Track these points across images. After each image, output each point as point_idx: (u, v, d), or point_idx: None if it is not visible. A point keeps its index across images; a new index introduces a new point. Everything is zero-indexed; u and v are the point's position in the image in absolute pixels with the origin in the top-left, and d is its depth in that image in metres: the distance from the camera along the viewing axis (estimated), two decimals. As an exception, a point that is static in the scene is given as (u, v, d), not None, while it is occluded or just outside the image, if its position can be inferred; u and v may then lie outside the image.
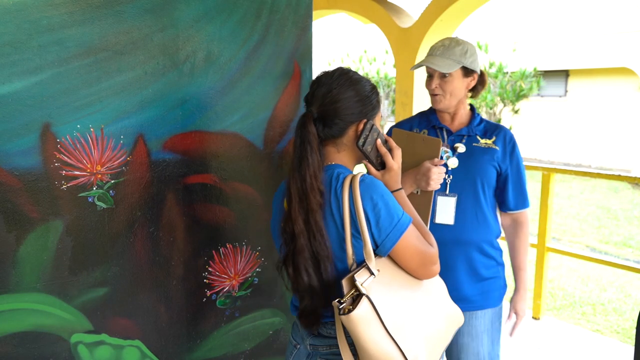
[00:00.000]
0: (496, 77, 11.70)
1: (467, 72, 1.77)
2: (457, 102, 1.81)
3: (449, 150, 1.80)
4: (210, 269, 1.86)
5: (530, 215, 1.93)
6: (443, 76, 1.75)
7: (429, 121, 1.88)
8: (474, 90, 1.85)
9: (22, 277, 1.51)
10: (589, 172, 3.53)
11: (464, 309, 1.72)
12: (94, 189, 1.59)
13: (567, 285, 4.81)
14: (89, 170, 1.57)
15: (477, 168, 1.77)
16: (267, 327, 2.05)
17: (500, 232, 1.89)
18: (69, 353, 1.62)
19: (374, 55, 13.96)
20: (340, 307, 1.18)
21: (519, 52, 12.32)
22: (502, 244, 1.95)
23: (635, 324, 2.20)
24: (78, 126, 1.53)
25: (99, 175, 1.59)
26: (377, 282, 1.22)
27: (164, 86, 1.67)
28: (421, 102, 4.23)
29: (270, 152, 1.96)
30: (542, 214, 3.54)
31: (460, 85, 1.77)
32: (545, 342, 3.25)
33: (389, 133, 1.86)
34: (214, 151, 1.80)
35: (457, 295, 1.73)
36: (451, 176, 1.77)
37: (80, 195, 1.57)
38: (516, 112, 11.93)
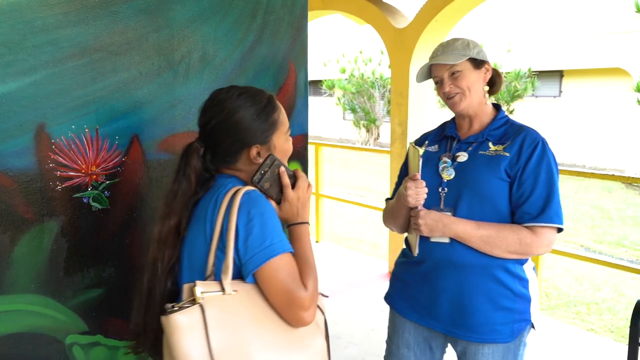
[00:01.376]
0: (491, 77, 11.74)
1: (476, 63, 1.58)
2: (479, 101, 1.61)
3: (448, 160, 1.61)
4: (205, 269, 1.85)
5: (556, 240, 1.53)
6: (452, 74, 1.57)
7: (443, 130, 1.71)
8: (493, 87, 1.66)
9: (17, 278, 1.50)
10: (583, 172, 3.55)
11: (466, 338, 1.56)
12: (89, 189, 1.59)
13: (562, 285, 4.83)
14: (83, 171, 1.57)
15: (473, 180, 1.54)
16: (263, 327, 2.04)
17: (525, 258, 1.59)
18: (64, 354, 1.61)
19: (370, 56, 13.98)
20: (168, 310, 1.08)
21: (514, 53, 12.37)
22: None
23: (628, 323, 2.21)
24: (73, 127, 1.53)
25: (94, 176, 1.59)
26: (227, 301, 1.11)
27: (159, 87, 1.67)
28: (417, 102, 4.24)
29: (265, 153, 1.96)
30: (537, 213, 3.55)
31: (475, 78, 1.58)
32: (540, 342, 3.26)
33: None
34: (210, 152, 1.80)
35: (454, 320, 1.57)
36: (446, 189, 1.58)
37: (75, 196, 1.56)
38: (511, 112, 11.97)
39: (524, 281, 1.58)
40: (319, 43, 14.70)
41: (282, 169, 1.23)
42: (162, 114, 1.68)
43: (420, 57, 4.27)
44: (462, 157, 1.59)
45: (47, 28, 1.45)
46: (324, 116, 17.93)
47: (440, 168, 1.61)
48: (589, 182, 10.06)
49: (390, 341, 1.78)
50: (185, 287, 1.14)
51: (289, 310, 1.14)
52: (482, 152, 1.58)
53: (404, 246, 1.78)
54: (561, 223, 1.51)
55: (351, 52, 14.59)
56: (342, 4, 4.85)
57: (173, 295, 1.24)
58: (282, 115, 1.30)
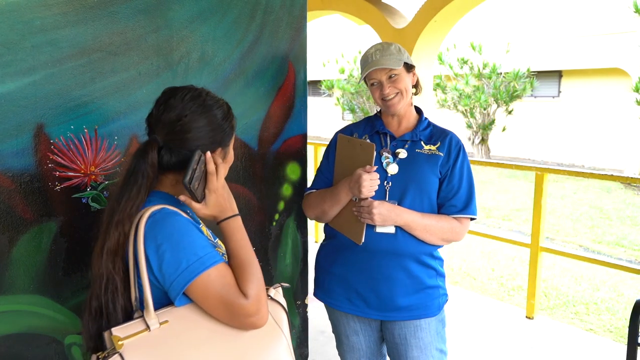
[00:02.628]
0: (490, 77, 11.75)
1: (408, 67, 1.75)
2: (409, 102, 1.77)
3: (389, 156, 1.73)
4: (204, 269, 1.85)
5: (469, 226, 1.72)
6: (390, 77, 1.71)
7: (374, 126, 1.82)
8: (416, 88, 1.82)
9: (16, 278, 1.50)
10: (582, 172, 3.55)
11: (406, 318, 1.73)
12: (88, 189, 1.59)
13: (561, 285, 4.84)
14: (82, 171, 1.57)
15: (418, 175, 1.70)
16: (262, 327, 2.04)
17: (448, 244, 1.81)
18: (63, 354, 1.61)
19: (369, 56, 13.96)
20: None
21: (513, 53, 12.38)
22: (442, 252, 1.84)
23: (627, 323, 2.21)
24: (72, 127, 1.53)
25: (93, 176, 1.59)
26: (154, 338, 1.04)
27: (158, 87, 1.66)
28: (415, 102, 4.24)
29: (264, 153, 1.96)
30: (536, 214, 3.56)
31: (408, 82, 1.74)
32: (539, 342, 3.27)
33: (335, 139, 1.80)
34: (209, 152, 1.80)
35: (396, 306, 1.72)
36: (390, 182, 1.70)
37: (74, 196, 1.56)
38: (510, 112, 11.98)
39: (441, 261, 1.82)
40: (318, 43, 14.70)
41: (209, 154, 1.16)
42: (161, 114, 1.68)
43: (420, 57, 4.27)
44: (402, 153, 1.74)
45: (46, 28, 1.44)
46: (323, 116, 17.94)
47: (384, 163, 1.73)
48: (588, 182, 10.07)
49: (337, 332, 1.91)
50: (105, 335, 1.06)
51: (234, 321, 1.09)
52: (419, 151, 1.74)
53: (323, 241, 1.89)
54: (476, 214, 1.75)
55: (350, 53, 14.58)
56: (341, 4, 4.86)
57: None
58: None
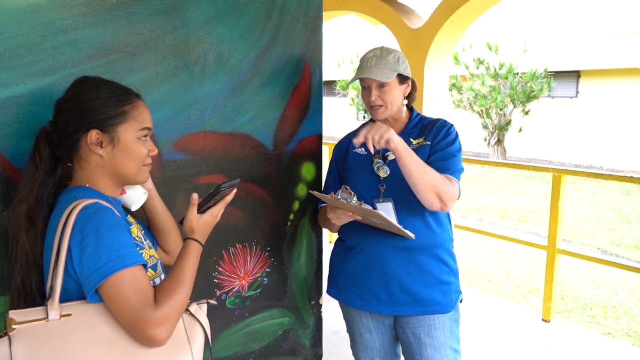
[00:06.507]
0: (506, 78, 11.65)
1: (402, 79, 1.77)
2: (397, 110, 1.80)
3: (380, 160, 1.77)
4: (220, 268, 1.87)
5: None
6: (381, 86, 1.73)
7: None
8: (409, 97, 1.84)
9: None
10: (600, 174, 3.50)
11: (419, 313, 1.74)
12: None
13: (578, 288, 4.78)
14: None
15: None
16: (277, 327, 2.05)
17: (453, 237, 1.84)
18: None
19: (384, 56, 13.93)
20: None
21: (530, 53, 12.25)
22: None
23: (647, 327, 2.17)
24: (90, 127, 1.54)
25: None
26: (50, 328, 1.03)
27: (175, 87, 1.68)
28: (432, 103, 4.22)
29: (280, 153, 1.96)
30: (553, 215, 3.52)
31: (398, 94, 1.77)
32: (556, 345, 3.23)
33: (340, 148, 1.92)
34: (224, 152, 1.81)
35: (407, 300, 1.73)
36: (384, 185, 1.74)
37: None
38: (527, 113, 11.86)
39: (454, 256, 1.83)
40: (333, 43, 14.69)
41: (235, 191, 1.30)
42: (177, 114, 1.69)
43: (435, 58, 4.25)
44: (392, 155, 1.74)
45: (65, 29, 1.46)
46: (338, 116, 17.94)
47: (376, 168, 1.77)
48: (607, 183, 9.93)
49: (351, 330, 1.93)
50: (5, 315, 1.05)
51: (135, 329, 1.05)
52: None
53: (337, 239, 1.92)
54: (460, 180, 1.74)
55: (365, 53, 14.58)
56: (356, 4, 4.85)
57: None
58: (139, 113, 1.24)
